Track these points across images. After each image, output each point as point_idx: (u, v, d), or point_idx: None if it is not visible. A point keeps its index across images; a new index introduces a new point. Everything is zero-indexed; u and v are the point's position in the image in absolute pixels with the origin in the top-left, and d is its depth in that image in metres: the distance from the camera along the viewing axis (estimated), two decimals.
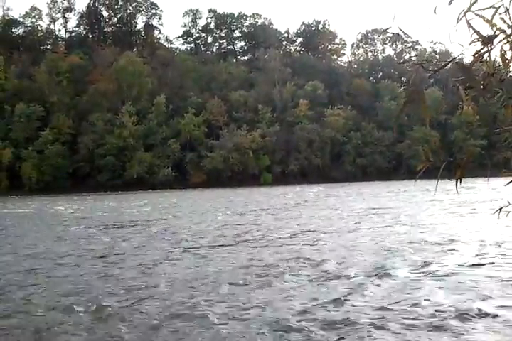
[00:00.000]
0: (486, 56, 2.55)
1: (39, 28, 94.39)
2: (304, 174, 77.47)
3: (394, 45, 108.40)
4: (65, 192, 62.93)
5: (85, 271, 10.06)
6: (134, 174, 71.66)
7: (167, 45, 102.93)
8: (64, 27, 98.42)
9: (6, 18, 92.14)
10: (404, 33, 2.81)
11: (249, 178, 73.65)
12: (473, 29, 2.46)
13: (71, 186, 69.24)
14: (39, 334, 6.15)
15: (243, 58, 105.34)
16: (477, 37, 2.48)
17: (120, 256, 11.82)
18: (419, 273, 8.66)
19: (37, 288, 8.68)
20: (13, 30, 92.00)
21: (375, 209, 22.92)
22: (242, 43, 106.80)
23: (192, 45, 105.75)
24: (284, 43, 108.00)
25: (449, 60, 2.79)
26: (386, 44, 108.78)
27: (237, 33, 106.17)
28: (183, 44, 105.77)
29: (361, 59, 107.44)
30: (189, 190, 63.57)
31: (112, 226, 19.66)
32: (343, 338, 5.55)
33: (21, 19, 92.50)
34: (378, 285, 7.85)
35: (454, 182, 3.02)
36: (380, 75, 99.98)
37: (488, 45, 2.47)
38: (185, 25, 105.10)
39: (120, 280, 9.11)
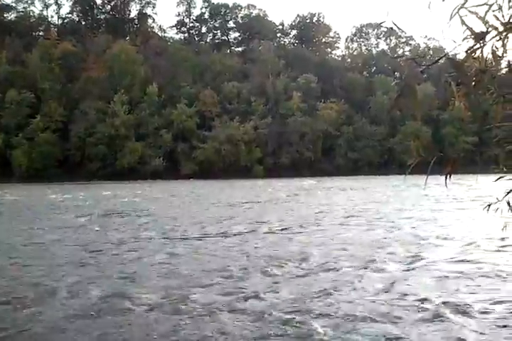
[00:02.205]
0: (478, 53, 2.56)
1: (31, 13, 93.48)
2: (296, 167, 77.54)
3: (388, 40, 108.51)
4: (55, 181, 62.55)
5: (70, 260, 10.02)
6: (125, 163, 71.40)
7: (160, 34, 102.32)
8: (57, 13, 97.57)
9: None
10: (398, 28, 2.82)
11: (241, 170, 73.64)
12: (466, 25, 2.47)
13: (61, 174, 68.79)
14: (14, 322, 6.13)
15: (237, 49, 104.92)
16: (470, 33, 2.49)
17: (108, 245, 11.80)
18: (408, 267, 8.74)
19: (13, 276, 8.62)
20: (4, 15, 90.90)
21: (365, 203, 23.04)
22: (236, 34, 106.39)
23: (186, 34, 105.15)
24: (278, 35, 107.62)
25: (442, 56, 2.80)
26: (380, 38, 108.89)
27: (231, 24, 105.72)
28: (177, 33, 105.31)
29: (355, 53, 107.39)
30: (180, 180, 63.47)
31: (101, 215, 19.62)
32: (331, 330, 5.60)
33: (13, 4, 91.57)
34: (367, 278, 7.92)
35: (444, 177, 3.05)
36: (373, 70, 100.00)
37: (481, 42, 2.49)
38: (179, 15, 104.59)
39: (106, 269, 9.10)
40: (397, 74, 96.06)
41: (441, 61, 3.06)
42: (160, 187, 45.30)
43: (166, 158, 73.35)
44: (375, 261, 9.24)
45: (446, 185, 3.25)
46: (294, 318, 5.98)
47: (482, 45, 2.51)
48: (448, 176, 3.05)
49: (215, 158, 74.05)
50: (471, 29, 2.47)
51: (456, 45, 2.54)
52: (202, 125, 77.79)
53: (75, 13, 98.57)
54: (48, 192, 37.26)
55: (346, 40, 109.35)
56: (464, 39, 2.53)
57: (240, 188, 41.89)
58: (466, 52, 2.54)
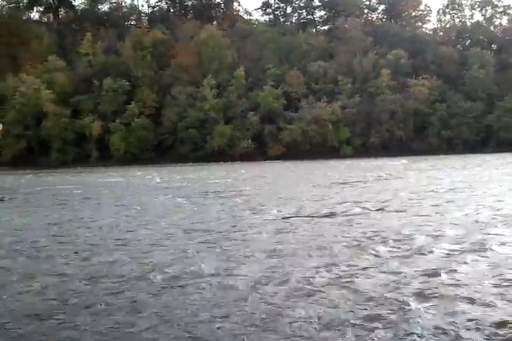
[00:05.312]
0: None
1: (123, 3, 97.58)
2: (386, 146, 75.66)
3: (483, 11, 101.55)
4: (150, 163, 65.66)
5: (168, 237, 10.48)
6: (214, 146, 73.30)
7: (246, 17, 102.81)
8: (147, 2, 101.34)
9: None
10: None
11: (328, 150, 73.07)
12: None
13: (156, 157, 72.07)
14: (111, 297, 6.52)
15: (323, 28, 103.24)
16: None
17: (206, 224, 12.20)
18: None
19: (116, 255, 9.08)
20: (99, 6, 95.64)
21: (464, 182, 22.06)
22: (322, 12, 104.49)
23: (271, 16, 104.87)
24: (365, 11, 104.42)
25: None
26: (475, 9, 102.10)
27: (316, 2, 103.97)
28: (262, 15, 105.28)
29: (448, 26, 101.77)
30: (268, 161, 64.10)
31: (196, 195, 20.28)
32: (433, 310, 5.47)
33: None
34: (470, 260, 7.63)
35: None
36: (468, 42, 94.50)
37: None
38: None
39: (204, 247, 9.41)
40: (493, 46, 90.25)
41: None
42: (250, 168, 46.00)
43: (254, 140, 74.30)
44: (477, 242, 8.87)
45: None
46: (396, 298, 5.91)
47: None
48: None
49: (302, 139, 73.94)
50: None
51: None
52: (288, 106, 77.77)
53: (163, 1, 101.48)
54: (145, 175, 39.07)
55: (438, 12, 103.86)
56: None
57: (330, 168, 41.55)
58: None
